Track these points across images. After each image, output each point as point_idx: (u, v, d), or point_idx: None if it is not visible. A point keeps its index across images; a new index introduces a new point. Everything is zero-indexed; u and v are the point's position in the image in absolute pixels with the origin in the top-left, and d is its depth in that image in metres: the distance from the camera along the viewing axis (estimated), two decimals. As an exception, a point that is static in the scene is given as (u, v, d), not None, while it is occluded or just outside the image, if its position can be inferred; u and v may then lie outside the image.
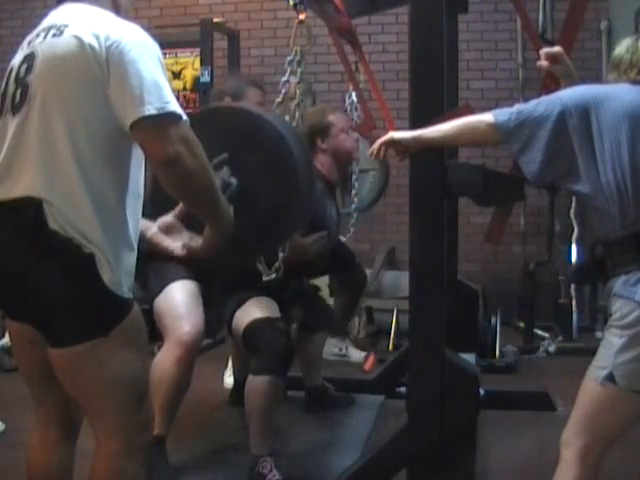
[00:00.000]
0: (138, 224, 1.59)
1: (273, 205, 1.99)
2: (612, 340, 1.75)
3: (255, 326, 2.47)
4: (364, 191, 3.58)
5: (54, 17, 1.54)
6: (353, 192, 3.39)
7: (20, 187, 1.44)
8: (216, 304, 2.60)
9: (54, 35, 1.48)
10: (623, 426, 1.80)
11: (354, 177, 3.37)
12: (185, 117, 1.44)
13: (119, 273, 1.48)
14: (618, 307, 1.75)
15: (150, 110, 1.38)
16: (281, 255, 2.40)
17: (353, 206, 3.39)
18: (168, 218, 1.81)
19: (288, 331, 2.57)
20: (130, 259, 1.55)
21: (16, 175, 1.46)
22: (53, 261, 1.43)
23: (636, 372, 1.72)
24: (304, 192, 2.05)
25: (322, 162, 2.82)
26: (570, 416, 1.85)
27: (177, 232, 1.80)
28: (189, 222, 1.81)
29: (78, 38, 1.43)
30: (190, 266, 2.57)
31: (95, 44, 1.42)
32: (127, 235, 1.53)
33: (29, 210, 1.43)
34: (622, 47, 1.85)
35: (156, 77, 1.42)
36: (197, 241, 1.73)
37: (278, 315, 2.53)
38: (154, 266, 2.53)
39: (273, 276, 2.41)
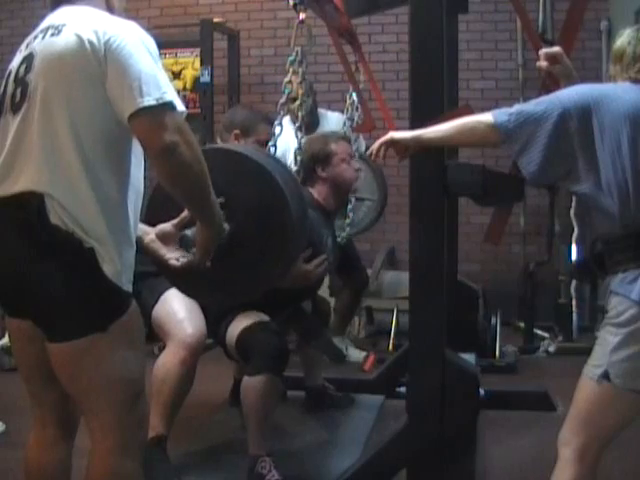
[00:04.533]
0: (138, 220, 1.60)
1: (265, 244, 1.92)
2: (607, 338, 1.76)
3: (247, 332, 2.46)
4: (356, 217, 3.55)
5: (51, 19, 1.56)
6: (347, 221, 3.36)
7: (22, 183, 1.45)
8: (210, 327, 2.58)
9: (52, 34, 1.49)
10: (620, 424, 1.80)
11: (350, 206, 3.33)
12: (183, 108, 1.46)
13: (120, 266, 1.49)
14: (614, 305, 1.75)
15: (149, 101, 1.40)
16: None
17: (343, 234, 3.33)
18: (167, 227, 1.79)
19: (281, 331, 2.57)
20: (130, 254, 1.55)
21: (18, 172, 1.47)
22: (54, 255, 1.44)
23: (631, 370, 1.72)
24: (297, 228, 2.00)
25: (319, 191, 2.80)
26: (567, 415, 1.85)
27: (174, 242, 1.79)
28: (181, 244, 1.79)
29: (77, 35, 1.45)
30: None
31: (94, 40, 1.44)
32: (128, 230, 1.54)
33: (31, 204, 1.44)
34: (624, 39, 1.83)
35: (153, 69, 1.43)
36: (192, 255, 1.73)
37: (268, 319, 2.52)
38: (147, 283, 2.51)
39: None
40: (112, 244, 1.48)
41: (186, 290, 2.15)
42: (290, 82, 2.50)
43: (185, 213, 1.75)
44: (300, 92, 2.42)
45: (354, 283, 3.84)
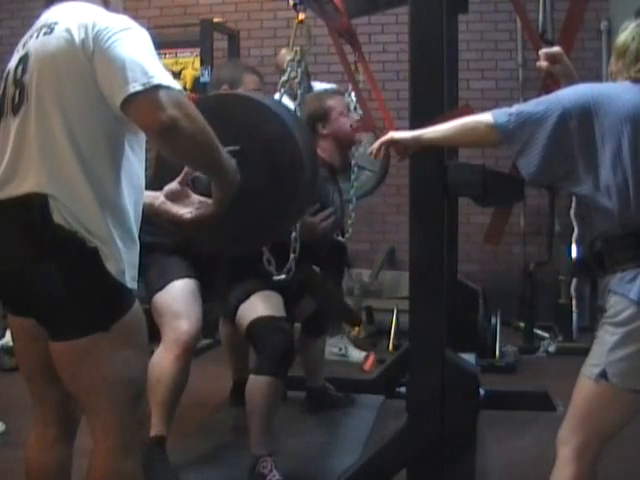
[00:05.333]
0: (139, 216, 1.60)
1: (277, 194, 1.95)
2: (605, 337, 1.76)
3: (259, 324, 2.48)
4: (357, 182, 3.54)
5: (46, 17, 1.56)
6: (352, 177, 3.33)
7: (26, 185, 1.46)
8: (221, 291, 2.59)
9: (45, 33, 1.50)
10: (618, 424, 1.80)
11: (353, 176, 3.32)
12: (177, 86, 1.43)
13: (123, 264, 1.50)
14: (612, 304, 1.75)
15: (135, 87, 1.37)
16: (292, 256, 2.40)
17: (352, 191, 3.32)
18: (173, 185, 1.81)
19: (291, 331, 2.58)
20: (133, 251, 1.55)
21: (23, 174, 1.47)
22: (57, 255, 1.45)
23: (629, 370, 1.72)
24: (308, 180, 2.02)
25: (324, 148, 2.80)
26: (566, 414, 1.85)
27: (184, 198, 1.80)
28: (195, 187, 1.81)
29: (69, 33, 1.45)
30: (194, 256, 2.59)
31: (84, 37, 1.43)
32: (129, 227, 1.54)
33: (35, 205, 1.44)
34: (627, 34, 1.80)
35: (139, 56, 1.41)
36: (206, 204, 1.74)
37: (282, 314, 2.53)
38: (157, 257, 2.55)
39: (283, 277, 2.41)
40: (115, 242, 1.48)
41: (201, 243, 2.16)
42: (288, 82, 2.49)
43: (187, 168, 1.76)
44: (299, 92, 2.42)
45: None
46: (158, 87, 1.38)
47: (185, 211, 1.78)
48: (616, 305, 1.73)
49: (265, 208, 1.93)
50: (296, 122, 2.10)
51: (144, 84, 1.38)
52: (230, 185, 1.64)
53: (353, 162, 3.31)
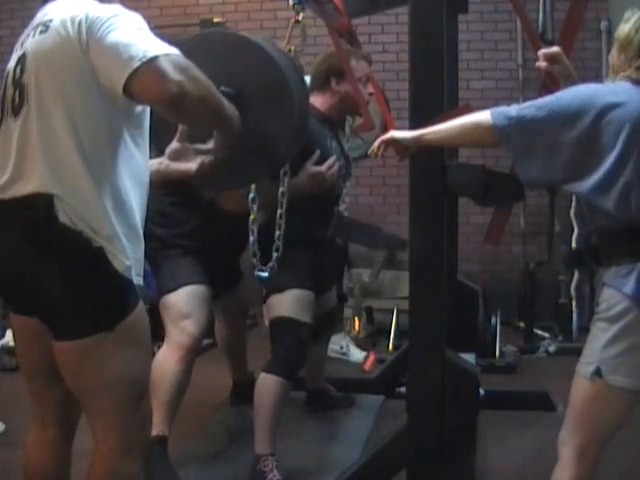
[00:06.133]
0: (144, 213, 1.60)
1: (267, 128, 1.93)
2: (598, 334, 1.76)
3: (283, 324, 2.52)
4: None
5: (41, 15, 1.56)
6: (347, 133, 3.21)
7: (31, 185, 1.46)
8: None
9: (41, 32, 1.49)
10: (617, 421, 1.79)
11: (347, 123, 3.20)
12: (174, 51, 1.41)
13: (129, 260, 1.50)
14: (605, 297, 1.74)
15: (134, 65, 1.36)
16: (275, 255, 2.41)
17: (347, 145, 3.18)
18: (173, 145, 1.82)
19: (309, 338, 2.59)
20: (138, 247, 1.56)
21: (28, 175, 1.47)
22: (63, 255, 1.45)
23: (623, 367, 1.71)
24: (298, 106, 2.00)
25: (324, 101, 2.75)
26: (565, 415, 1.85)
27: (187, 154, 1.81)
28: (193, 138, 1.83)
29: (63, 29, 1.45)
30: (208, 258, 2.64)
31: (77, 30, 1.43)
32: (134, 223, 1.54)
33: (40, 205, 1.44)
34: (630, 25, 1.79)
35: (131, 37, 1.40)
36: (209, 152, 1.76)
37: (307, 319, 2.55)
38: (172, 256, 2.58)
39: (266, 274, 2.42)
40: (120, 239, 1.48)
41: (211, 187, 2.23)
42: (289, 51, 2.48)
43: (181, 126, 1.78)
44: None
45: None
46: (156, 57, 1.37)
47: (192, 165, 1.80)
48: (609, 299, 1.73)
49: (263, 136, 1.91)
50: (274, 48, 2.08)
51: (141, 59, 1.36)
52: (234, 133, 1.64)
53: (348, 123, 3.23)
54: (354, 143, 3.40)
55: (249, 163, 1.94)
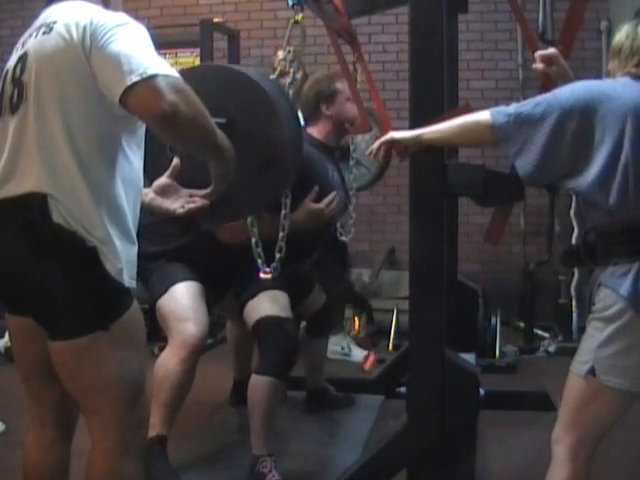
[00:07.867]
0: (137, 216, 1.60)
1: (262, 156, 1.92)
2: (593, 334, 1.76)
3: (265, 324, 2.50)
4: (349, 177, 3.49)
5: (44, 16, 1.56)
6: (352, 162, 3.22)
7: (25, 184, 1.46)
8: (228, 289, 2.57)
9: (44, 33, 1.50)
10: (610, 420, 1.79)
11: (352, 148, 3.21)
12: (174, 73, 1.42)
13: (121, 263, 1.50)
14: (602, 297, 1.75)
15: (133, 79, 1.37)
16: (278, 256, 2.40)
17: (352, 175, 3.21)
18: (162, 180, 1.81)
19: (296, 332, 2.58)
20: (131, 250, 1.55)
21: (22, 173, 1.47)
22: (57, 254, 1.45)
23: (617, 367, 1.71)
24: (290, 140, 2.00)
25: (321, 129, 2.76)
26: (559, 413, 1.85)
27: (174, 192, 1.80)
28: (184, 180, 1.81)
29: (66, 32, 1.45)
30: (196, 261, 2.60)
31: (81, 35, 1.43)
32: (127, 227, 1.54)
33: (34, 205, 1.44)
34: (622, 33, 1.83)
35: (134, 49, 1.41)
36: (195, 199, 1.74)
37: (289, 314, 2.54)
38: (159, 264, 2.55)
39: (269, 277, 2.42)
40: (112, 242, 1.48)
41: (206, 221, 2.18)
42: (284, 59, 2.47)
43: (175, 161, 1.78)
44: (290, 92, 2.40)
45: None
46: (155, 76, 1.37)
47: (176, 206, 1.78)
48: (605, 299, 1.73)
49: (254, 172, 1.90)
50: (263, 78, 2.08)
51: (141, 74, 1.37)
52: (228, 163, 1.62)
53: (352, 147, 3.23)
54: (358, 172, 3.41)
55: (245, 196, 1.92)
